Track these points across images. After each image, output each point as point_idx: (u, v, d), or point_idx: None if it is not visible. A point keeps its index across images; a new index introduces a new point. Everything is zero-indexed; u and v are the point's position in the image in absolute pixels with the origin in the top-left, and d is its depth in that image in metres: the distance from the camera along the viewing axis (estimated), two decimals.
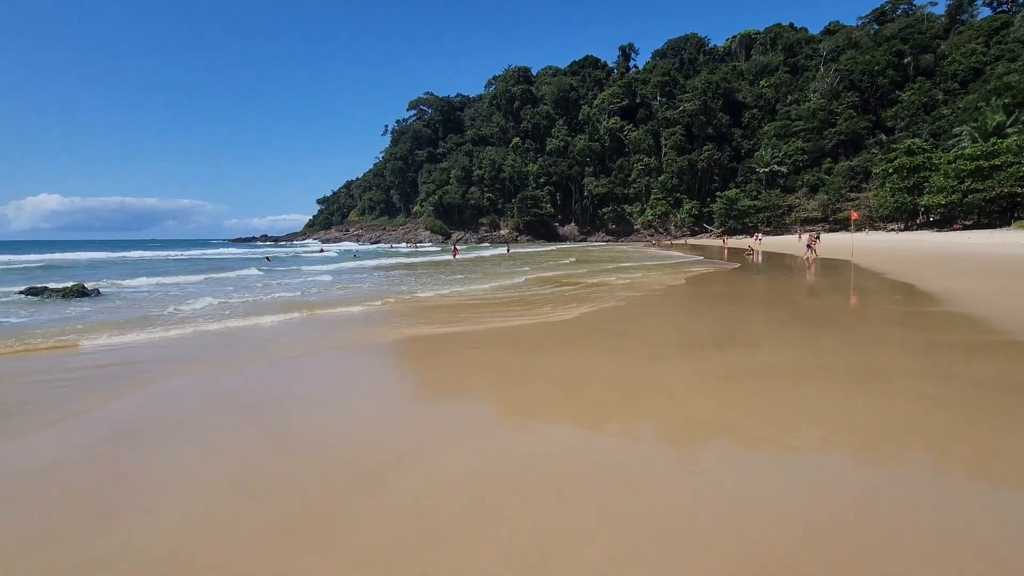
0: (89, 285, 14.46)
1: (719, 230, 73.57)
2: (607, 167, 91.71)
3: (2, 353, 7.45)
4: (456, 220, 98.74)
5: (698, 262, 27.13)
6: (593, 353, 7.01)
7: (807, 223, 66.18)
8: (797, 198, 70.92)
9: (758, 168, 74.26)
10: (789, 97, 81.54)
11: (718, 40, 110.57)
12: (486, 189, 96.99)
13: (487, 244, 79.31)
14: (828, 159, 70.38)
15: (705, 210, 79.51)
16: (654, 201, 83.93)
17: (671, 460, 3.75)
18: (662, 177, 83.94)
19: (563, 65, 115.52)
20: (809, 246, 26.46)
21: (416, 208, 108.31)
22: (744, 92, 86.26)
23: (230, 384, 6.12)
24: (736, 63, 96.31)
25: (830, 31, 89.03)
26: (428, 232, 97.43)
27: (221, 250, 68.57)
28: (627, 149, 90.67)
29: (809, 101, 75.45)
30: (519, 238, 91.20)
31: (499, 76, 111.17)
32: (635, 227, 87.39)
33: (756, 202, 71.60)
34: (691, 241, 71.23)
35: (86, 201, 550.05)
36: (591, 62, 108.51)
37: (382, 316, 10.64)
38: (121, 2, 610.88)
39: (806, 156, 71.57)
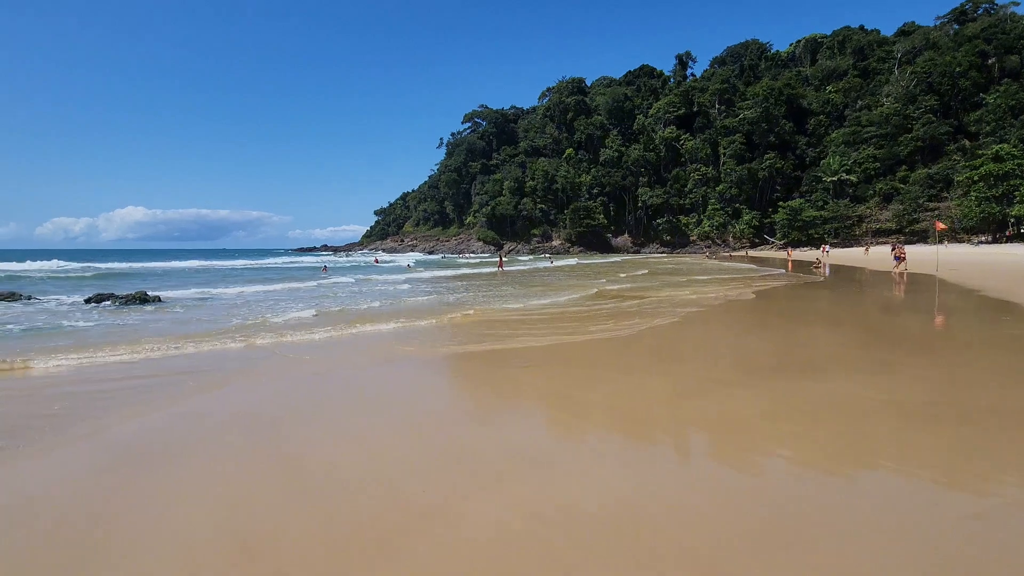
0: (160, 293, 15.24)
1: (781, 242, 70.45)
2: (662, 177, 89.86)
3: (58, 364, 7.74)
4: (508, 231, 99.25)
5: (764, 275, 25.83)
6: (651, 377, 6.47)
7: (879, 234, 62.33)
8: (868, 208, 66.96)
9: (825, 177, 70.67)
10: (859, 102, 77.37)
11: (781, 45, 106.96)
12: (538, 200, 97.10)
13: (547, 256, 79.07)
14: (903, 167, 66.14)
15: (766, 221, 76.43)
16: (711, 212, 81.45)
17: (751, 531, 2.91)
18: (720, 187, 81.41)
19: (618, 75, 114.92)
20: (898, 258, 24.46)
21: (469, 219, 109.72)
22: (809, 98, 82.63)
23: (250, 401, 5.84)
24: (800, 68, 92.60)
25: (904, 32, 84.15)
26: (480, 243, 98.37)
27: (284, 259, 71.61)
28: (683, 159, 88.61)
29: (882, 106, 71.29)
30: (571, 249, 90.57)
31: (553, 87, 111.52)
32: (691, 238, 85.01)
33: (822, 212, 68.10)
34: (751, 253, 68.48)
35: (166, 213, 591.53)
36: (646, 71, 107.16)
37: (438, 331, 10.49)
38: (194, 34, 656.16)
39: (878, 164, 67.53)
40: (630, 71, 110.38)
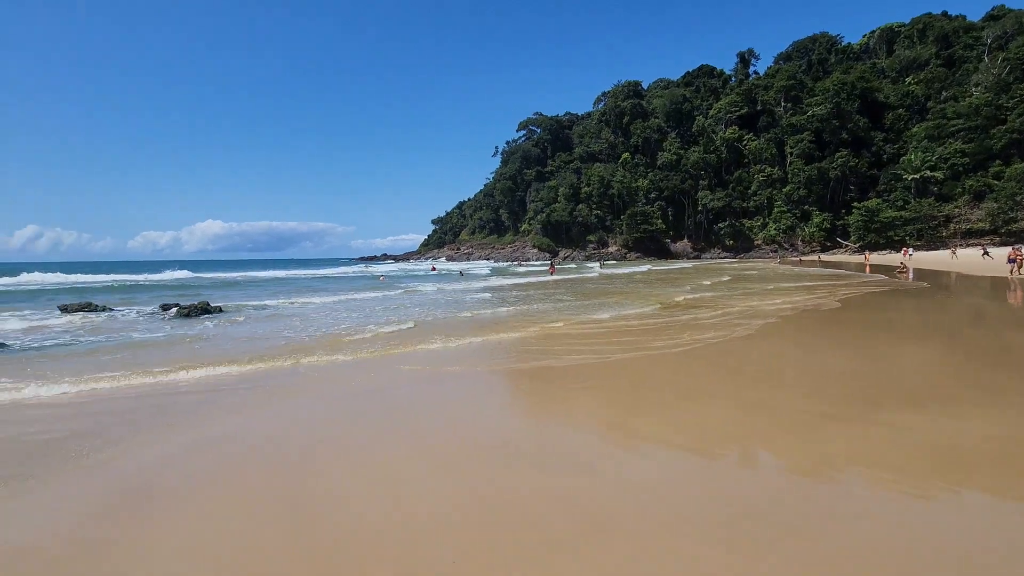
0: (234, 303, 15.75)
1: (856, 245, 66.10)
2: (723, 180, 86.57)
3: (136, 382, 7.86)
4: (563, 238, 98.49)
5: (844, 281, 24.01)
6: (731, 406, 5.72)
7: (970, 235, 57.31)
8: (957, 207, 61.63)
9: (905, 175, 65.72)
10: (943, 93, 71.64)
11: (852, 37, 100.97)
12: (594, 206, 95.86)
13: (597, 262, 77.90)
14: (997, 161, 60.44)
15: (838, 223, 71.99)
16: (777, 214, 77.61)
17: None
18: (787, 188, 77.48)
19: (675, 76, 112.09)
20: (1012, 260, 22.08)
21: (524, 226, 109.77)
22: (886, 91, 77.30)
23: (274, 427, 5.40)
24: (875, 60, 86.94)
25: (994, 17, 77.27)
26: (535, 250, 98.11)
27: (344, 269, 74.00)
28: (746, 160, 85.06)
29: (971, 96, 65.64)
30: (628, 255, 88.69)
31: (608, 92, 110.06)
32: (755, 242, 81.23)
33: (903, 213, 63.32)
34: (823, 257, 64.60)
35: (241, 225, 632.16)
36: (706, 71, 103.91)
37: (513, 345, 10.14)
38: (263, 45, 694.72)
39: (967, 159, 62.06)
40: (688, 72, 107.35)
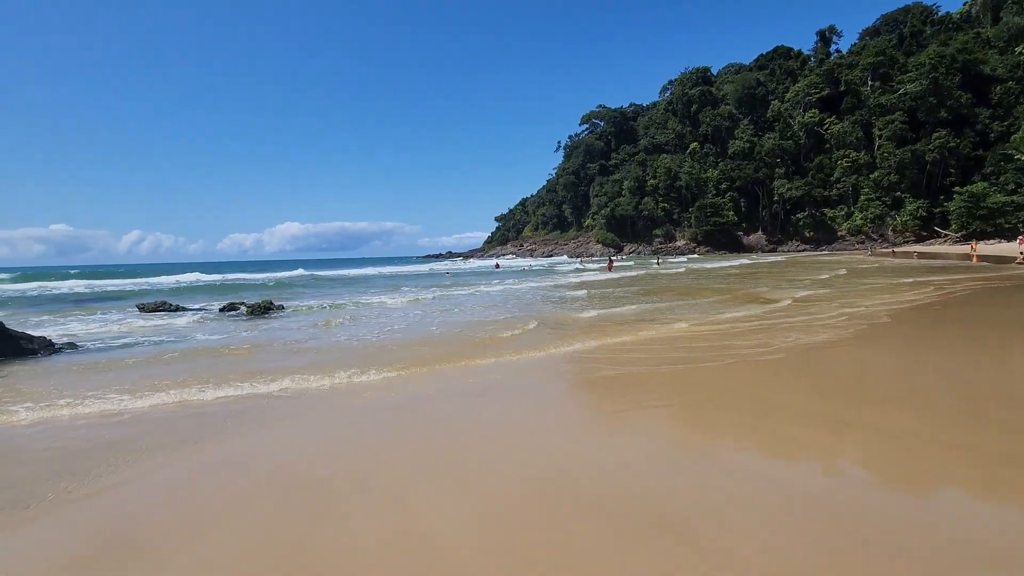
0: (282, 301, 16.01)
1: (958, 234, 59.92)
2: (802, 167, 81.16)
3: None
4: (628, 232, 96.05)
5: (955, 275, 21.48)
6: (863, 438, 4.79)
7: None
8: None
9: (1017, 155, 58.77)
10: None
11: (950, 6, 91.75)
12: (660, 199, 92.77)
13: (659, 257, 75.50)
14: None
15: (936, 211, 65.55)
16: (864, 202, 71.77)
17: None
18: (875, 174, 71.46)
19: (747, 60, 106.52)
20: None
21: (587, 221, 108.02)
22: (992, 63, 69.44)
23: (286, 450, 4.78)
24: (979, 29, 78.44)
25: None
26: (599, 245, 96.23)
27: (414, 267, 75.59)
28: (828, 145, 79.27)
29: None
30: (697, 249, 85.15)
31: (675, 80, 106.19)
32: (839, 234, 75.56)
33: (1014, 197, 56.68)
34: (918, 248, 59.00)
35: (316, 226, 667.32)
36: (781, 52, 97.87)
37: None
38: (331, 45, 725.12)
39: None
40: (761, 55, 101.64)
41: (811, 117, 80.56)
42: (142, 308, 15.70)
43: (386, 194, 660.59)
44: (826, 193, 77.52)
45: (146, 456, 4.62)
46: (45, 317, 15.62)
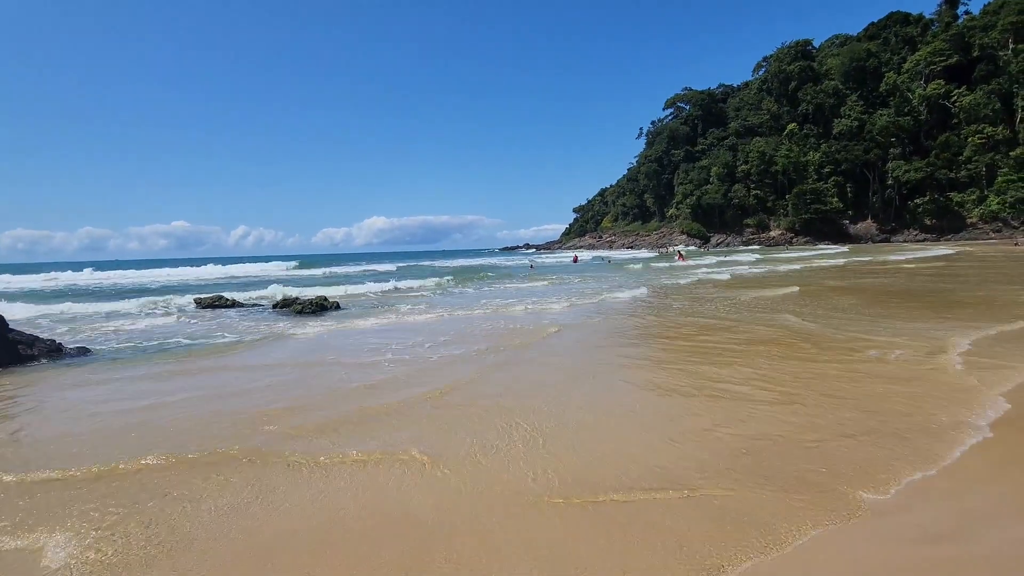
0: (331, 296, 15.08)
1: None
2: (922, 146, 71.92)
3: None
4: (716, 222, 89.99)
5: None
6: None
7: None
8: None
9: None
10: None
11: None
12: (753, 186, 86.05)
13: (783, 247, 69.97)
14: None
15: None
16: (1002, 184, 62.10)
17: None
18: (1017, 151, 61.70)
19: (855, 31, 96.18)
20: None
21: (671, 211, 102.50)
22: None
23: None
24: None
25: None
26: (684, 236, 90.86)
27: (494, 259, 75.22)
28: (955, 120, 69.60)
29: None
30: (794, 240, 78.13)
31: (771, 56, 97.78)
32: (968, 221, 66.08)
33: None
34: None
35: (401, 220, 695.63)
36: (897, 18, 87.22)
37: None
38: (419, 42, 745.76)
39: None
40: (873, 23, 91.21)
41: (935, 89, 70.99)
42: (198, 302, 15.48)
43: (467, 187, 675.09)
44: (952, 175, 68.07)
45: None
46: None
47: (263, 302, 16.51)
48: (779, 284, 18.40)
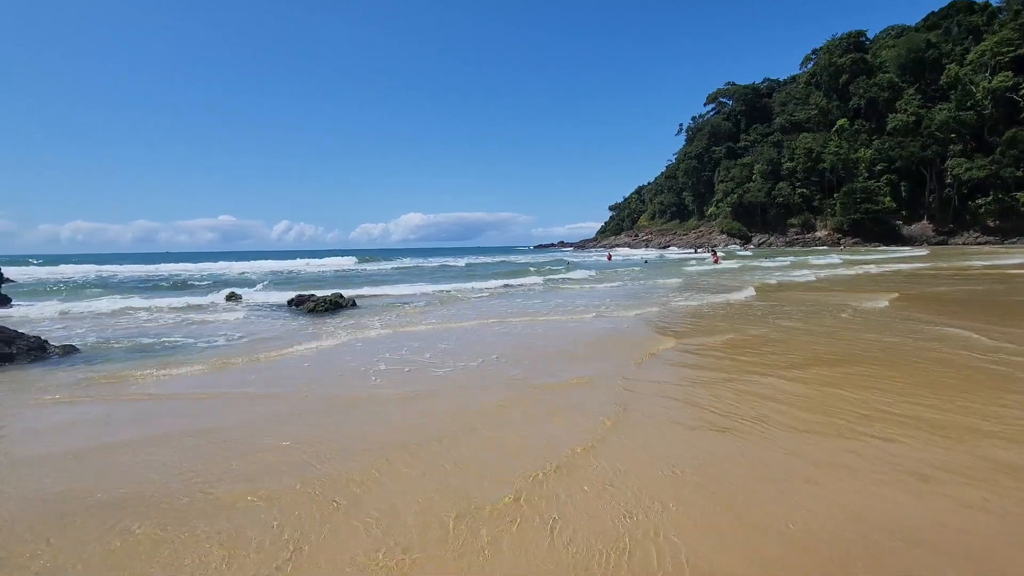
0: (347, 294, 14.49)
1: None
2: (986, 143, 67.34)
3: None
4: (758, 221, 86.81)
5: None
6: None
7: None
8: None
9: None
10: None
11: None
12: (798, 184, 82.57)
13: (827, 248, 67.12)
14: None
15: None
16: None
17: None
18: None
19: (912, 21, 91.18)
20: None
21: (711, 210, 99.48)
22: None
23: None
24: None
25: None
26: (723, 235, 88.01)
27: (528, 256, 74.57)
28: (1023, 115, 64.90)
29: None
30: (842, 241, 74.53)
31: (820, 48, 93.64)
32: None
33: None
34: None
35: (436, 216, 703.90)
36: (961, 7, 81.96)
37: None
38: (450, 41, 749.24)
39: None
40: (933, 12, 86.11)
41: (1001, 81, 66.26)
42: (230, 298, 15.51)
43: (502, 184, 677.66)
44: (1019, 173, 63.44)
45: None
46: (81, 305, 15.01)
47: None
48: (874, 288, 16.39)
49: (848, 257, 40.81)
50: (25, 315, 13.28)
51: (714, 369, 7.11)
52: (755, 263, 35.77)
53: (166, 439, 4.75)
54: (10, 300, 15.24)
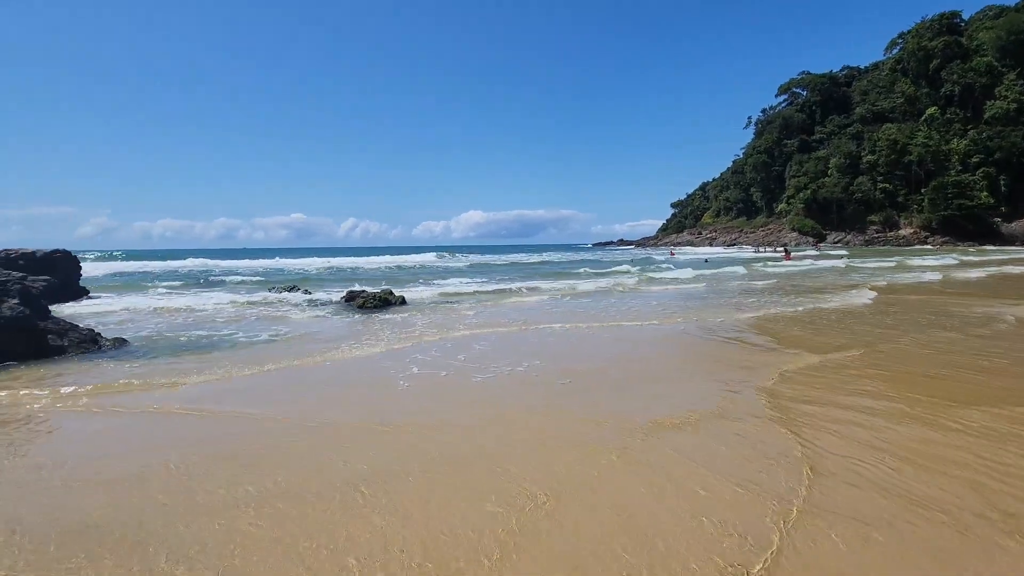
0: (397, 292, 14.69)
1: None
2: None
3: None
4: (834, 218, 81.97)
5: None
6: None
7: None
8: None
9: None
10: None
11: None
12: (880, 178, 77.22)
13: (919, 247, 62.99)
14: None
15: None
16: None
17: None
18: None
19: (1014, 0, 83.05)
20: None
21: (781, 206, 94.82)
22: None
23: None
24: None
25: None
26: (795, 233, 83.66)
27: (584, 254, 74.01)
28: None
29: None
30: (930, 239, 69.11)
31: (908, 32, 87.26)
32: None
33: None
34: None
35: (496, 214, 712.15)
36: None
37: None
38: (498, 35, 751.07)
39: None
40: None
41: None
42: (271, 289, 16.54)
43: (562, 182, 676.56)
44: None
45: None
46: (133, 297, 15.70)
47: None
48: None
49: (964, 257, 37.32)
50: (95, 307, 13.85)
51: (889, 397, 5.44)
52: (852, 262, 33.05)
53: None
54: (87, 292, 16.10)
